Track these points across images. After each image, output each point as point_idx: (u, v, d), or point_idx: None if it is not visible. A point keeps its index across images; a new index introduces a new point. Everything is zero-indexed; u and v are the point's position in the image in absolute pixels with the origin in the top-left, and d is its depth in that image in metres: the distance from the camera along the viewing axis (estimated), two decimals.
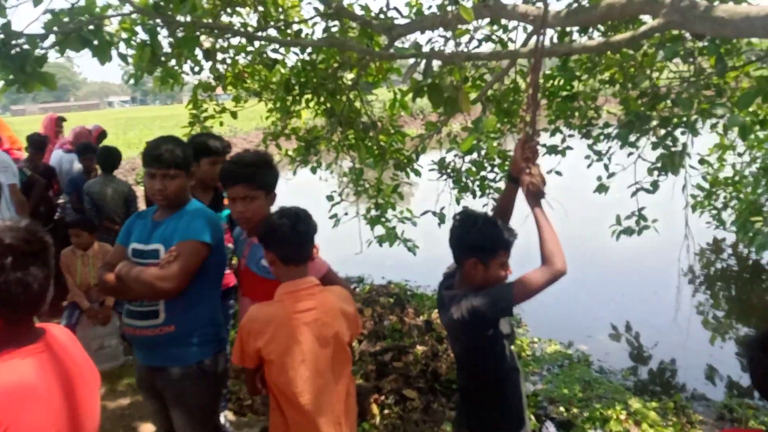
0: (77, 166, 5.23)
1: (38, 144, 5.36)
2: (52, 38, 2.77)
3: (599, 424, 3.52)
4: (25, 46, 2.67)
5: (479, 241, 1.97)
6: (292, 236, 1.96)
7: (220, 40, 4.38)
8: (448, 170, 5.11)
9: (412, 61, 3.16)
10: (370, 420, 3.44)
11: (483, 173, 5.02)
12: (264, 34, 4.40)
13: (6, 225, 1.21)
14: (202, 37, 4.02)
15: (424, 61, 2.86)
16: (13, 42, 2.65)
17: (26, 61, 2.74)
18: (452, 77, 2.80)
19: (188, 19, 3.28)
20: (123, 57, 3.40)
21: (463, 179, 5.07)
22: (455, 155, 5.07)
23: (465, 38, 4.20)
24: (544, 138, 4.63)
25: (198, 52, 4.45)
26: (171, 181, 2.23)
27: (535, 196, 2.04)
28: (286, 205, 2.05)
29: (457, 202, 5.06)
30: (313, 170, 5.00)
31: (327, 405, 1.93)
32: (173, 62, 4.37)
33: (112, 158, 4.74)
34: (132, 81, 4.08)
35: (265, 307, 1.97)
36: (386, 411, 3.55)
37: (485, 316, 1.90)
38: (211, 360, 2.28)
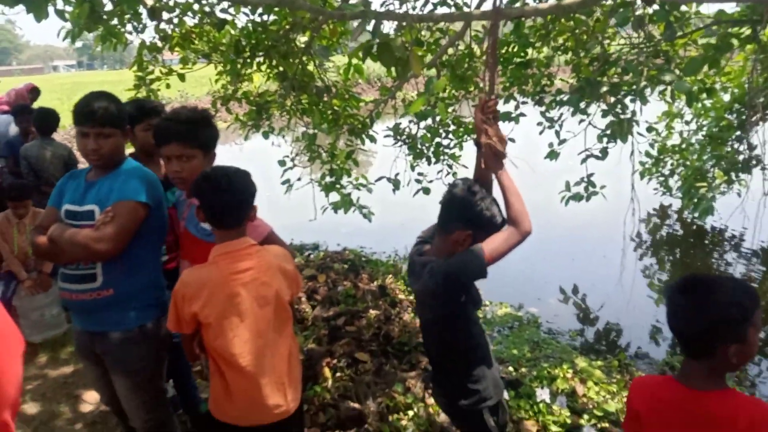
0: (14, 128, 4.97)
1: None
2: None
3: (546, 382, 3.62)
4: None
5: (483, 217, 1.92)
6: (215, 203, 1.88)
7: None
8: (403, 137, 5.07)
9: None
10: (322, 383, 3.44)
11: (438, 140, 5.01)
12: None
13: None
14: None
15: (374, 21, 2.80)
16: None
17: None
18: (403, 38, 2.75)
19: None
20: (60, 14, 3.20)
21: (418, 146, 5.05)
22: (410, 121, 5.04)
23: (420, 1, 4.13)
24: (498, 105, 4.65)
25: (142, 10, 4.24)
26: (106, 140, 2.12)
27: (496, 158, 1.99)
28: (221, 165, 1.95)
29: (412, 168, 5.05)
30: (265, 135, 4.89)
31: (269, 366, 1.90)
32: (115, 20, 4.16)
33: (48, 120, 4.51)
34: (70, 39, 3.87)
35: (198, 270, 1.90)
36: (338, 374, 3.56)
37: (460, 281, 1.88)
38: (153, 324, 2.22)
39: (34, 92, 5.74)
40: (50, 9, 2.92)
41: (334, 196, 5.07)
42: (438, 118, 4.90)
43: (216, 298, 1.84)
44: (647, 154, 6.32)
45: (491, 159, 2.00)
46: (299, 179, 4.81)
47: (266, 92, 5.13)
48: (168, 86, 4.89)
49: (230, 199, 1.86)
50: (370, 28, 2.84)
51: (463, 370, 2.05)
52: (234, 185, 1.86)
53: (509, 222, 1.91)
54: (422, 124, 4.99)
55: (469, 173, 5.03)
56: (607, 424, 3.27)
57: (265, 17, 4.69)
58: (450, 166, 5.10)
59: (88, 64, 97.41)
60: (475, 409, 2.06)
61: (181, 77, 4.96)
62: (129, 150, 2.53)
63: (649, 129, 5.72)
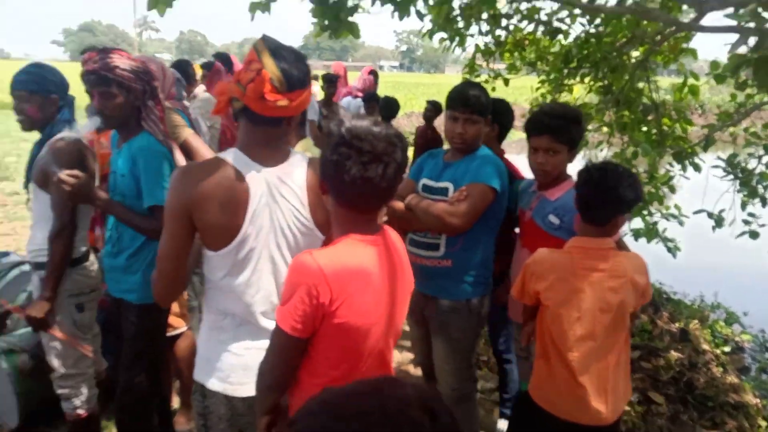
0: (362, 112, 5.81)
1: (332, 81, 6.04)
2: None
3: None
4: None
5: None
6: (581, 193, 1.90)
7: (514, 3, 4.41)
8: (737, 170, 4.49)
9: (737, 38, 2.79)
10: None
11: None
12: None
13: (372, 131, 1.29)
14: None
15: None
16: None
17: (341, 10, 3.09)
18: None
19: None
20: (419, 15, 3.65)
21: (754, 182, 4.42)
22: (749, 154, 4.45)
23: None
24: None
25: (484, 15, 4.54)
26: (471, 126, 2.30)
27: None
28: (609, 161, 1.95)
29: (743, 207, 4.43)
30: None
31: (594, 369, 1.85)
32: (461, 23, 4.52)
33: (391, 108, 5.16)
34: (429, 38, 4.34)
35: (552, 253, 1.95)
36: (627, 408, 3.31)
37: None
38: (478, 300, 2.36)
39: (373, 74, 6.74)
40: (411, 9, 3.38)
41: (638, 223, 4.72)
42: None
43: (560, 285, 1.87)
44: None
45: None
46: None
47: (586, 104, 5.02)
48: (494, 89, 5.12)
49: (596, 195, 1.85)
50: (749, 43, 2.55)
51: None
52: (607, 182, 1.82)
53: None
54: (765, 158, 4.36)
55: None
56: None
57: (600, 29, 4.60)
58: None
59: (408, 66, 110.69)
60: None
61: (506, 81, 5.17)
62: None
63: None
